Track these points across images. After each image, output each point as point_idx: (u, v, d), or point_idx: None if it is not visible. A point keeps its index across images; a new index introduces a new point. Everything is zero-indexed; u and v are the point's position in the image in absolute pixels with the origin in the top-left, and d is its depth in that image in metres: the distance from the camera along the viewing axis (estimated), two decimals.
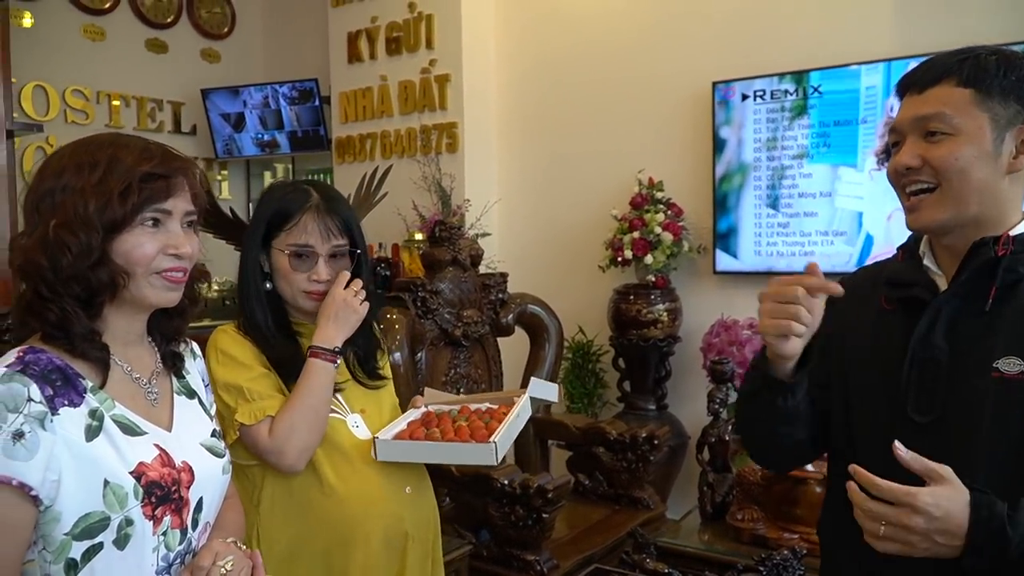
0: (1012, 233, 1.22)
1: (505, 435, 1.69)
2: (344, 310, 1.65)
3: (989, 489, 1.10)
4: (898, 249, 1.40)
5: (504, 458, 1.76)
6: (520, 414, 1.82)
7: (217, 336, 1.67)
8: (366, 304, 1.69)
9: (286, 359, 1.65)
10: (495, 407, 1.87)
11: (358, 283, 1.68)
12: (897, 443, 1.11)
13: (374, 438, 1.65)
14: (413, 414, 1.83)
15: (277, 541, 1.63)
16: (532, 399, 1.92)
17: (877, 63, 3.28)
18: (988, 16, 3.11)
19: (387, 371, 1.87)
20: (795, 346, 1.25)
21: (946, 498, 1.07)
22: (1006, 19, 3.09)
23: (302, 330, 1.71)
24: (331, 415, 1.67)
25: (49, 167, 1.17)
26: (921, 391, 1.23)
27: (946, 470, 1.08)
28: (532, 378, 1.99)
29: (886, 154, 3.25)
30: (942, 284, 1.28)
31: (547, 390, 2.00)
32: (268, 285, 1.68)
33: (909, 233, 1.37)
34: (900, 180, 1.28)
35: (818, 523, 1.48)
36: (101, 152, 1.15)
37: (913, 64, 3.27)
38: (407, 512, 1.71)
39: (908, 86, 1.29)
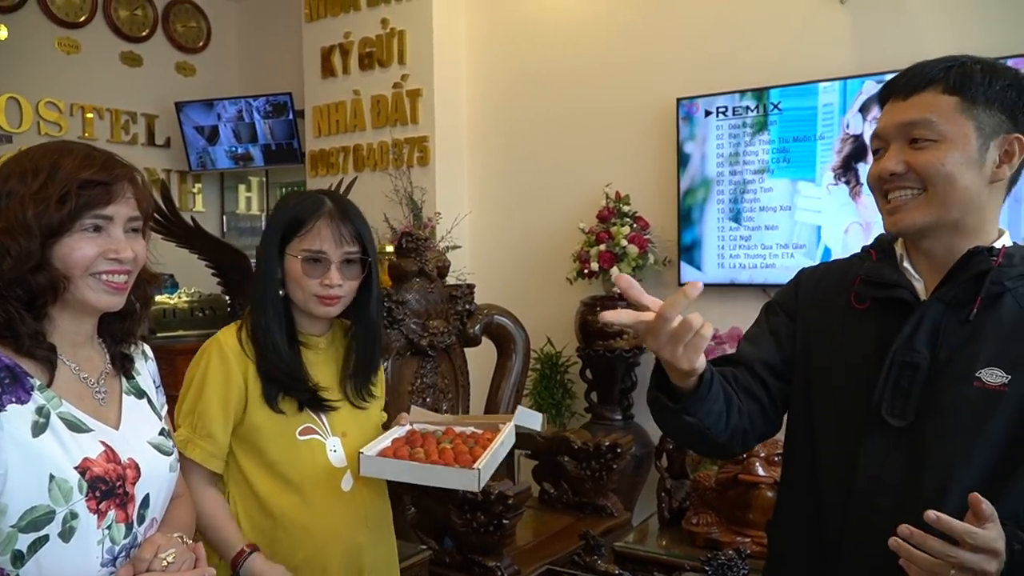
0: (996, 245, 1.22)
1: (489, 462, 1.71)
2: None
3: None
4: (869, 248, 1.38)
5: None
6: (504, 441, 1.84)
7: (210, 346, 1.69)
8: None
9: (283, 371, 1.67)
10: (480, 432, 1.89)
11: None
12: (932, 513, 1.03)
13: (359, 453, 1.68)
14: (398, 431, 1.85)
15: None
16: (517, 427, 1.94)
17: (834, 81, 3.36)
18: (941, 36, 3.19)
19: (380, 389, 1.88)
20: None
21: (999, 535, 1.05)
22: (959, 39, 3.14)
23: (307, 340, 1.74)
24: (311, 436, 1.70)
25: None
26: (897, 394, 1.23)
27: (991, 508, 1.04)
28: (519, 407, 2.01)
29: (843, 168, 3.35)
30: (920, 288, 1.28)
31: (532, 419, 2.02)
32: (281, 292, 1.69)
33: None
34: (883, 186, 1.27)
35: (768, 524, 1.49)
36: (44, 159, 1.18)
37: (869, 83, 3.35)
38: (366, 541, 1.75)
39: (892, 92, 1.27)
